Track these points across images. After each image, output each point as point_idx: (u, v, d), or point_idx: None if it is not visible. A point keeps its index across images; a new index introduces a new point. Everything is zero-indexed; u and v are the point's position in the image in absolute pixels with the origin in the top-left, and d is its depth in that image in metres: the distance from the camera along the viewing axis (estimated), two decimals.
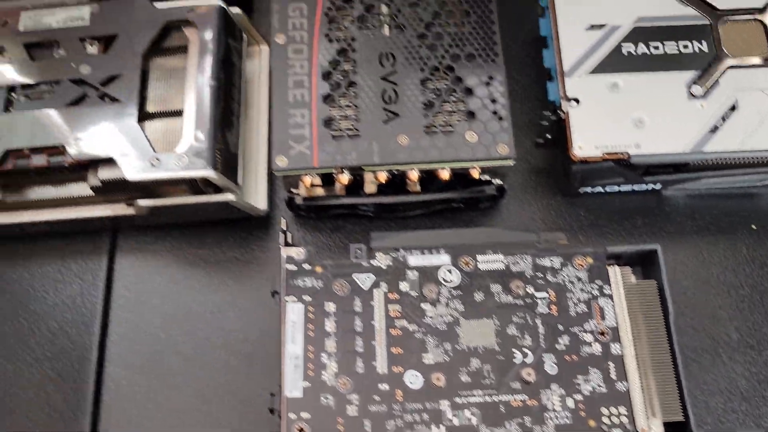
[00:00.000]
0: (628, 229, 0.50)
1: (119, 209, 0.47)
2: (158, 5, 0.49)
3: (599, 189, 0.51)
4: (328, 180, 0.47)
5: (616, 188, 0.51)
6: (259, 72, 0.53)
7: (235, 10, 0.50)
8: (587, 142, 0.46)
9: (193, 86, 0.46)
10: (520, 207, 0.51)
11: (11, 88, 0.47)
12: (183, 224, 0.50)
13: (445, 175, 0.46)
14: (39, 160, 0.45)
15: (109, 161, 0.45)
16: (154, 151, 0.45)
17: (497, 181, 0.49)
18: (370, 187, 0.48)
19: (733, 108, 0.47)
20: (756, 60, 0.48)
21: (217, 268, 0.49)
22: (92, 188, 0.46)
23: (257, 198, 0.49)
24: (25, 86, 0.47)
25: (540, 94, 0.51)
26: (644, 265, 0.47)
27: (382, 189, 0.48)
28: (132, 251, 0.50)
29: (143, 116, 0.46)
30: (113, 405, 0.46)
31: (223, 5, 0.49)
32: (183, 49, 0.48)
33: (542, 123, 0.48)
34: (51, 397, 0.46)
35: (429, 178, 0.47)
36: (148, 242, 0.50)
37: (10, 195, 0.47)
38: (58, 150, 0.45)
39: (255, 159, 0.50)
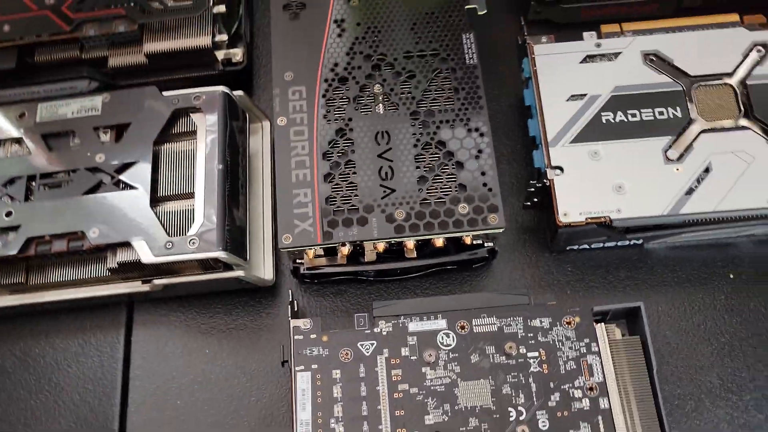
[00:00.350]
0: (612, 282, 0.53)
1: (135, 287, 0.50)
2: (166, 93, 0.52)
3: (585, 246, 0.54)
4: (330, 251, 0.51)
5: (600, 244, 0.54)
6: (262, 146, 0.57)
7: (238, 92, 0.53)
8: (571, 208, 0.50)
9: (203, 169, 0.49)
10: (510, 265, 0.54)
11: (31, 177, 0.51)
12: (195, 295, 0.53)
13: (439, 242, 0.49)
14: (59, 246, 0.48)
15: (126, 245, 0.48)
16: (167, 232, 0.48)
17: (489, 244, 0.52)
18: (370, 255, 0.51)
19: (707, 170, 0.50)
20: (727, 123, 0.52)
21: (227, 335, 0.52)
22: (110, 270, 0.49)
23: (264, 270, 0.53)
24: (43, 175, 0.50)
25: (526, 157, 0.55)
26: (629, 319, 0.50)
27: (381, 255, 0.51)
28: (148, 323, 0.53)
29: (156, 200, 0.49)
30: None
31: (227, 91, 0.52)
32: (191, 134, 0.52)
33: (529, 189, 0.51)
34: None
35: (424, 244, 0.51)
36: (163, 314, 0.53)
37: (32, 277, 0.50)
38: (78, 235, 0.48)
39: (261, 232, 0.54)
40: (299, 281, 0.53)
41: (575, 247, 0.54)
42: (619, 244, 0.54)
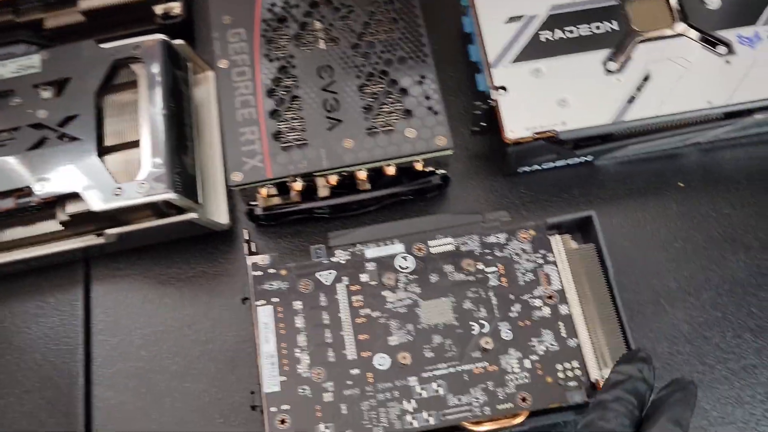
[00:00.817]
0: (566, 200, 0.54)
1: (89, 240, 0.50)
2: (104, 46, 0.51)
3: (536, 167, 0.55)
4: (283, 189, 0.51)
5: (551, 164, 0.55)
6: (209, 96, 0.56)
7: (178, 41, 0.53)
8: (517, 125, 0.50)
9: (147, 117, 0.49)
10: (464, 192, 0.55)
11: None
12: (152, 246, 0.53)
13: (390, 171, 0.50)
14: (7, 204, 0.48)
15: (75, 196, 0.48)
16: (116, 182, 0.48)
17: (441, 171, 0.52)
18: (323, 190, 0.51)
19: (646, 78, 0.51)
20: (663, 32, 0.53)
21: (187, 283, 0.52)
22: (62, 223, 0.48)
23: (219, 214, 0.52)
24: None
25: (471, 86, 0.55)
26: (583, 231, 0.50)
27: (335, 191, 0.51)
28: (106, 278, 0.52)
29: (102, 151, 0.49)
30: (105, 425, 0.49)
31: (166, 39, 0.52)
32: (133, 84, 0.51)
33: (475, 113, 0.52)
34: (44, 424, 0.49)
35: (377, 176, 0.51)
36: (120, 268, 0.53)
37: None
38: (25, 192, 0.48)
39: (213, 178, 0.54)
40: (255, 224, 0.53)
41: (527, 168, 0.55)
42: (570, 162, 0.55)
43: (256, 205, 0.51)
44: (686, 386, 0.38)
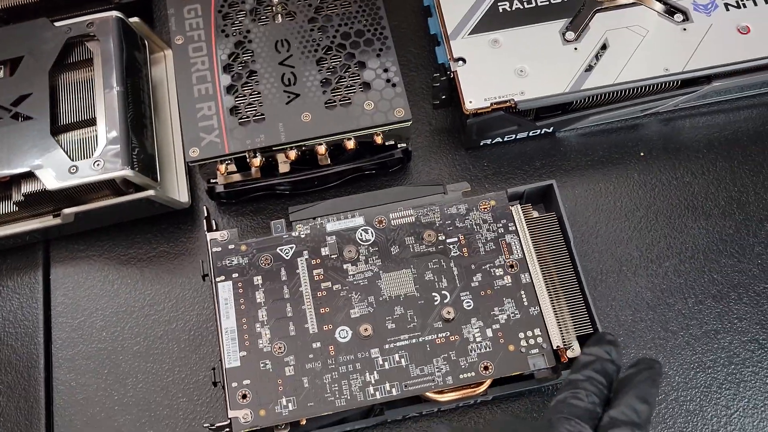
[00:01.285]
0: (528, 172, 0.54)
1: (47, 221, 0.49)
2: (58, 24, 0.51)
3: (498, 139, 0.55)
4: (243, 165, 0.50)
5: (512, 137, 0.54)
6: (167, 76, 0.56)
7: (134, 19, 0.53)
8: (476, 96, 0.50)
9: (101, 95, 0.49)
10: (427, 165, 0.55)
11: None
12: (111, 226, 0.52)
13: (350, 144, 0.49)
14: None
15: (30, 175, 0.47)
16: (72, 160, 0.47)
17: (402, 145, 0.52)
18: (283, 167, 0.51)
19: (604, 47, 0.51)
20: (620, 1, 0.53)
21: (149, 263, 0.52)
22: (17, 204, 0.48)
23: (179, 192, 0.52)
24: None
25: (431, 60, 0.55)
26: (545, 200, 0.50)
27: (295, 167, 0.51)
28: (65, 260, 0.52)
29: (57, 130, 0.48)
30: (66, 407, 0.48)
31: (121, 16, 0.51)
32: (88, 62, 0.50)
33: (435, 85, 0.51)
34: (4, 409, 0.48)
35: (337, 150, 0.50)
36: (81, 249, 0.52)
37: None
38: None
39: (173, 157, 0.53)
40: (216, 202, 0.53)
41: (488, 141, 0.55)
42: (531, 134, 0.55)
43: (216, 182, 0.51)
44: (652, 365, 0.40)
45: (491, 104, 0.50)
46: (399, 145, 0.52)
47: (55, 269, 0.52)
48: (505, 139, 0.55)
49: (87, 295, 0.51)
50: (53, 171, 0.46)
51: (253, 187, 0.51)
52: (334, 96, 0.49)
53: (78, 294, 0.51)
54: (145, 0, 0.57)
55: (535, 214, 0.49)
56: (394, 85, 0.50)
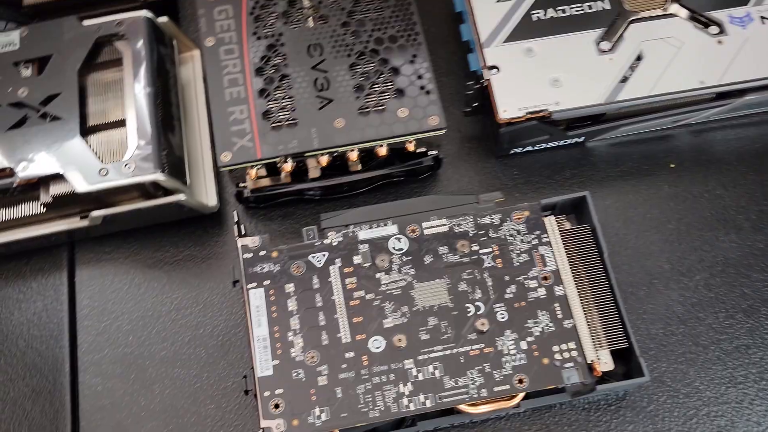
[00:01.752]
0: (558, 181, 0.54)
1: (73, 223, 0.49)
2: (86, 23, 0.50)
3: (528, 148, 0.54)
4: (273, 170, 0.50)
5: (543, 146, 0.54)
6: (194, 76, 0.55)
7: (162, 19, 0.52)
8: (510, 105, 0.49)
9: (131, 96, 0.48)
10: (457, 173, 0.54)
11: None
12: (137, 229, 0.52)
13: (382, 151, 0.49)
14: None
15: (58, 177, 0.46)
16: (101, 162, 0.46)
17: (433, 152, 0.51)
18: (314, 171, 0.50)
19: (639, 58, 0.51)
20: (655, 12, 0.52)
21: (176, 267, 0.51)
22: (45, 205, 0.47)
23: (207, 196, 0.51)
24: None
25: (462, 66, 0.54)
26: (576, 212, 0.50)
27: (326, 172, 0.50)
28: (91, 262, 0.51)
29: (86, 131, 0.48)
30: (92, 412, 0.47)
31: (151, 16, 0.50)
32: (117, 62, 0.50)
33: (468, 93, 0.51)
34: (30, 413, 0.47)
35: (368, 156, 0.50)
36: (107, 251, 0.51)
37: None
38: (6, 173, 0.46)
39: (201, 159, 0.52)
40: (245, 206, 0.52)
41: (519, 150, 0.54)
42: (561, 143, 0.54)
43: (245, 186, 0.50)
44: None
45: (526, 114, 0.49)
46: (429, 153, 0.51)
47: (80, 271, 0.51)
48: (535, 147, 0.54)
49: (113, 299, 0.50)
50: (83, 173, 0.46)
51: (283, 192, 0.51)
52: (367, 102, 0.49)
53: (104, 297, 0.50)
54: (172, 0, 0.56)
55: (568, 225, 0.49)
56: (428, 92, 0.49)
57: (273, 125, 0.48)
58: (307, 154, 0.48)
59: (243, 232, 0.48)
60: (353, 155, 0.49)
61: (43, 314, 0.50)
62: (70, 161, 0.46)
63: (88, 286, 0.50)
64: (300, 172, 0.50)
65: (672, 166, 0.54)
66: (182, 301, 0.50)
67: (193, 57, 0.56)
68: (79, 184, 0.45)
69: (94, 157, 0.46)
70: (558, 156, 0.55)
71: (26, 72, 0.49)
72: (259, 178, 0.50)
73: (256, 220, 0.52)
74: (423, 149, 0.51)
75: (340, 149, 0.48)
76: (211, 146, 0.53)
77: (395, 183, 0.53)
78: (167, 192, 0.48)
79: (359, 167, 0.51)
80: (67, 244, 0.51)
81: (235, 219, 0.47)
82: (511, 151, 0.54)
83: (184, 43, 0.55)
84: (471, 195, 0.49)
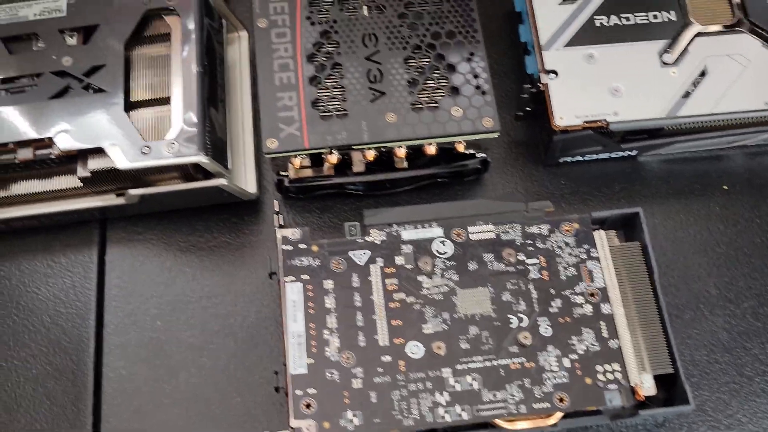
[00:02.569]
0: (606, 195, 0.52)
1: (108, 200, 0.47)
2: None
3: (578, 158, 0.52)
4: (317, 161, 0.48)
5: (593, 156, 0.52)
6: (240, 58, 0.53)
7: None
8: (567, 112, 0.48)
9: (179, 73, 0.46)
10: (502, 178, 0.52)
11: None
12: (172, 211, 0.50)
13: (431, 150, 0.47)
14: (25, 154, 0.45)
15: (98, 151, 0.45)
16: (143, 139, 0.45)
17: (481, 155, 0.50)
18: (358, 165, 0.49)
19: (703, 74, 0.49)
20: (721, 27, 0.51)
21: (209, 253, 0.50)
22: (81, 179, 0.45)
23: (246, 182, 0.50)
24: (5, 80, 0.46)
25: (515, 68, 0.53)
26: (626, 228, 0.48)
27: (369, 167, 0.49)
28: (122, 241, 0.50)
29: (130, 105, 0.46)
30: (115, 396, 0.46)
31: None
32: (164, 37, 0.48)
33: (522, 96, 0.49)
34: (51, 391, 0.46)
35: (415, 154, 0.48)
36: (139, 231, 0.50)
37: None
38: (45, 143, 0.45)
39: (242, 144, 0.51)
40: (283, 195, 0.51)
41: (568, 159, 0.52)
42: (613, 155, 0.53)
43: (286, 175, 0.49)
44: None
45: (583, 123, 0.47)
46: (478, 155, 0.50)
47: (111, 250, 0.49)
48: (585, 158, 0.53)
49: (142, 281, 0.49)
50: (124, 149, 0.44)
51: (325, 184, 0.49)
52: (420, 98, 0.47)
53: (134, 278, 0.49)
54: None
55: (617, 241, 0.47)
56: (483, 92, 0.47)
57: (322, 114, 0.46)
58: (354, 147, 0.46)
59: (281, 223, 0.46)
60: (401, 152, 0.47)
61: (70, 291, 0.48)
62: (111, 136, 0.44)
63: (118, 265, 0.49)
64: (343, 164, 0.49)
65: (725, 188, 0.53)
66: (213, 289, 0.49)
67: (240, 38, 0.54)
68: (120, 160, 0.44)
69: (137, 134, 0.45)
70: (608, 168, 0.53)
71: (71, 41, 0.48)
72: (302, 167, 0.48)
73: (294, 211, 0.51)
74: (472, 150, 0.49)
75: (390, 145, 0.46)
76: (253, 131, 0.51)
77: (438, 183, 0.51)
78: (207, 175, 0.46)
79: (405, 165, 0.49)
80: (98, 220, 0.50)
81: (276, 209, 0.45)
82: (560, 160, 0.53)
83: (232, 23, 0.53)
84: (520, 202, 0.47)
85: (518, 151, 0.53)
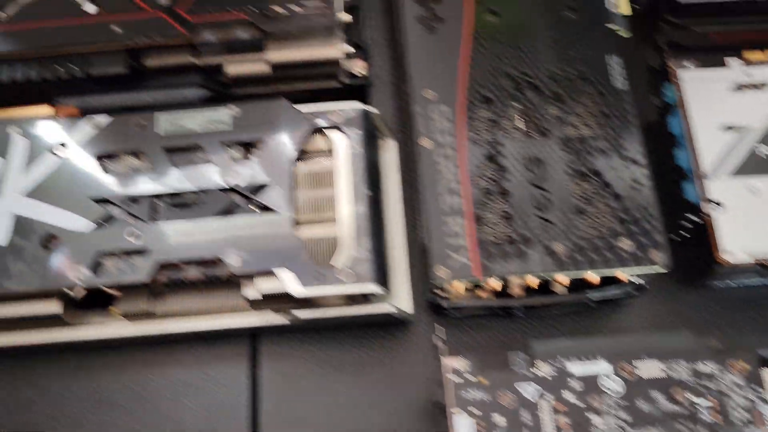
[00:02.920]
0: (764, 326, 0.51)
1: (270, 319, 0.46)
2: (302, 109, 0.48)
3: (735, 284, 0.51)
4: (476, 285, 0.47)
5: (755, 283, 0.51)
6: (386, 167, 0.53)
7: (373, 110, 0.50)
8: (735, 248, 0.47)
9: (348, 194, 0.46)
10: (654, 302, 0.51)
11: (155, 195, 0.46)
12: (325, 328, 0.49)
13: (595, 279, 0.47)
14: (193, 273, 0.44)
15: (269, 273, 0.44)
16: (315, 262, 0.44)
17: (639, 280, 0.49)
18: (517, 290, 0.48)
19: None
20: None
21: (361, 372, 0.49)
22: (249, 301, 0.45)
23: (401, 301, 0.49)
24: (170, 194, 0.46)
25: (665, 187, 0.52)
26: None
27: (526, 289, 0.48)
28: (275, 357, 0.49)
29: (296, 225, 0.45)
30: None
31: (368, 109, 0.48)
32: (326, 153, 0.48)
33: (684, 224, 0.49)
34: None
35: (576, 280, 0.48)
36: (293, 347, 0.49)
37: (159, 305, 0.46)
38: (214, 262, 0.44)
39: (396, 260, 0.50)
40: (435, 314, 0.50)
41: (722, 285, 0.52)
42: None
43: (445, 297, 0.48)
44: None
45: (755, 260, 0.47)
46: (635, 280, 0.49)
47: (264, 365, 0.48)
48: (742, 284, 0.52)
49: (295, 399, 0.47)
50: (297, 275, 0.44)
51: (484, 306, 0.49)
52: (587, 227, 0.47)
53: (286, 396, 0.48)
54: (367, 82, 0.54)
55: None
56: (651, 224, 0.47)
57: (492, 242, 0.46)
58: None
59: (442, 346, 0.45)
60: (564, 280, 0.46)
61: (222, 405, 0.47)
62: (283, 259, 0.44)
63: (271, 381, 0.48)
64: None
65: None
66: (366, 409, 0.47)
67: (386, 145, 0.53)
68: (294, 286, 0.43)
69: (309, 258, 0.44)
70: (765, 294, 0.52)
71: (236, 155, 0.47)
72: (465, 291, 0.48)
73: (446, 329, 0.50)
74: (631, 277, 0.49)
75: (560, 276, 0.46)
76: (406, 247, 0.50)
77: (587, 306, 0.51)
78: (367, 297, 0.46)
79: (566, 290, 0.48)
80: (249, 335, 0.49)
81: (441, 337, 0.45)
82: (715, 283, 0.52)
83: (381, 132, 0.53)
84: (684, 337, 0.46)
85: (670, 273, 0.52)
